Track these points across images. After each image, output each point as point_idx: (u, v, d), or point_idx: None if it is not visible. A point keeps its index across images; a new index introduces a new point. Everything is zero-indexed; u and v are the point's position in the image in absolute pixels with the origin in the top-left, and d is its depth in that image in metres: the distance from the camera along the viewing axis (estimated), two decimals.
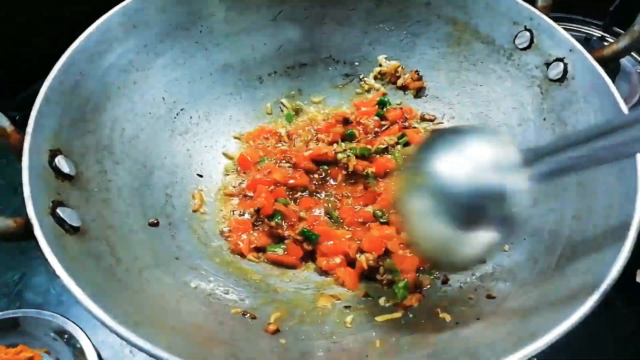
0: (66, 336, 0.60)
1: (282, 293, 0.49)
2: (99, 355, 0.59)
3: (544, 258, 0.43)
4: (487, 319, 0.41)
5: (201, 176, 0.57)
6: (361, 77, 0.66)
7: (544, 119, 0.52)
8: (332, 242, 0.52)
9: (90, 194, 0.44)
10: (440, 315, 0.43)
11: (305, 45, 0.64)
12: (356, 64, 0.65)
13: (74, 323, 0.62)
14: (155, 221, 0.49)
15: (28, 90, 0.92)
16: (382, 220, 0.53)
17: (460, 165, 0.35)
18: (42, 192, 0.39)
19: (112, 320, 0.33)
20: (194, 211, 0.54)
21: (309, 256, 0.53)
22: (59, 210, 0.39)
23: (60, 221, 0.38)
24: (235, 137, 0.62)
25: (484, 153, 0.35)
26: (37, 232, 0.35)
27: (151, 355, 0.32)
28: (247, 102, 0.63)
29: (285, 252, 0.52)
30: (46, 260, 0.35)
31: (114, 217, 0.45)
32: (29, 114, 0.92)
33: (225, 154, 0.60)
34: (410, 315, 0.45)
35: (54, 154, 0.42)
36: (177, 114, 0.57)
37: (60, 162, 0.42)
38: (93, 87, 0.49)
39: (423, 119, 0.63)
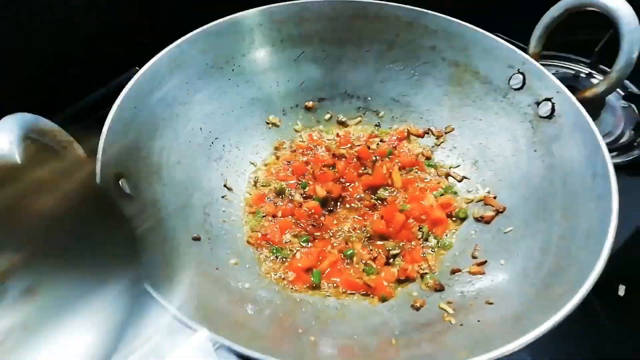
0: None
1: (308, 298, 0.56)
2: None
3: (534, 272, 0.50)
4: (486, 320, 0.47)
5: (230, 189, 0.64)
6: (377, 112, 0.74)
7: (535, 151, 0.60)
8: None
9: (145, 213, 0.51)
10: (447, 319, 0.50)
11: (324, 81, 0.72)
12: (369, 98, 0.73)
13: None
14: (198, 236, 0.56)
15: (63, 112, 1.00)
16: None
17: None
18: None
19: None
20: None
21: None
22: None
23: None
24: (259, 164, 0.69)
25: None
26: None
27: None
28: (273, 132, 0.71)
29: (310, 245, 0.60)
30: None
31: (165, 232, 0.52)
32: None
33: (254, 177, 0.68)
34: (422, 321, 0.52)
35: (118, 176, 0.50)
36: (212, 143, 0.65)
37: (123, 184, 0.50)
38: (145, 119, 0.57)
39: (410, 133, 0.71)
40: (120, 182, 0.50)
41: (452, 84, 0.69)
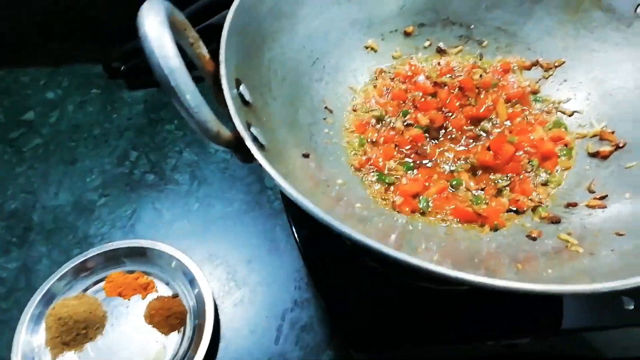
0: (188, 275, 0.65)
1: (417, 222, 0.54)
2: None
3: None
4: (621, 250, 0.45)
5: (331, 111, 0.62)
6: (480, 42, 0.69)
7: None
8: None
9: (261, 122, 0.50)
10: (572, 248, 0.48)
11: (425, 6, 0.68)
12: (472, 27, 0.69)
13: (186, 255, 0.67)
14: (307, 153, 0.55)
15: (130, 44, 0.98)
16: None
17: None
18: (239, 112, 0.44)
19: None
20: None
21: None
22: (252, 129, 0.44)
23: (254, 138, 0.44)
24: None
25: None
26: (248, 143, 0.41)
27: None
28: (371, 57, 0.68)
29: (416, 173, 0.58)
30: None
31: (279, 145, 0.51)
32: (133, 64, 0.99)
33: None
34: (542, 250, 0.50)
35: (238, 82, 0.48)
36: (313, 62, 0.62)
37: (243, 90, 0.48)
38: (256, 29, 0.54)
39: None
40: (240, 87, 0.48)
41: (567, 12, 0.64)
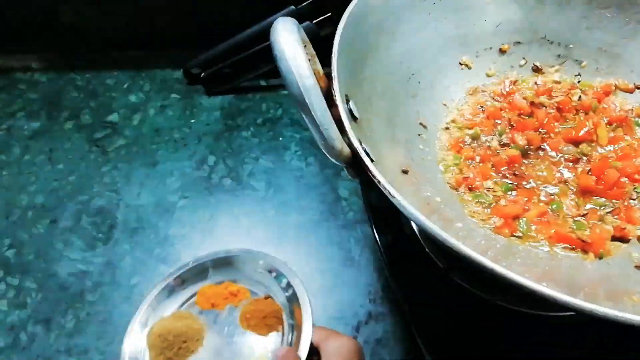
0: (274, 273, 0.65)
1: (517, 245, 0.53)
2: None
3: None
4: None
5: (425, 127, 0.62)
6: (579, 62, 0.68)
7: None
8: None
9: (366, 137, 0.50)
10: None
11: (523, 24, 0.67)
12: (571, 46, 0.67)
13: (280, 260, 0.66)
14: (406, 169, 0.54)
15: (209, 52, 1.01)
16: None
17: None
18: (352, 128, 0.45)
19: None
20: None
21: None
22: (363, 145, 0.45)
23: (367, 153, 0.44)
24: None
25: None
26: (365, 159, 0.41)
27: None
28: (465, 74, 0.67)
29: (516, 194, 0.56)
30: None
31: (383, 161, 0.51)
32: (212, 72, 1.01)
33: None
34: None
35: (347, 98, 0.48)
36: (409, 78, 0.62)
37: (352, 106, 0.48)
38: (359, 45, 0.55)
39: None
40: (350, 103, 0.48)
41: None
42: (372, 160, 0.45)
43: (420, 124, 0.62)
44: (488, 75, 0.68)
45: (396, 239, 0.64)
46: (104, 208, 0.87)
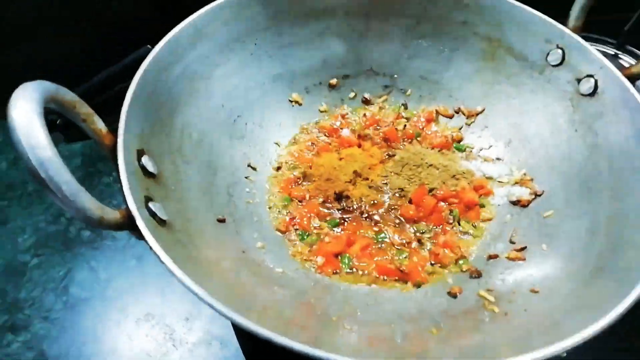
0: None
1: (338, 284, 0.53)
2: None
3: (583, 253, 0.47)
4: (533, 310, 0.45)
5: (254, 169, 0.61)
6: (404, 91, 0.70)
7: (576, 130, 0.57)
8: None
9: (168, 191, 0.48)
10: (489, 307, 0.48)
11: (348, 57, 0.69)
12: (395, 76, 0.70)
13: None
14: (223, 218, 0.53)
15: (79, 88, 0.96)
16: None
17: None
18: (136, 187, 0.43)
19: (211, 297, 0.37)
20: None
21: None
22: (150, 205, 0.43)
23: (153, 214, 0.43)
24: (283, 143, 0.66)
25: None
26: (140, 222, 0.40)
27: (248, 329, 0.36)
28: (296, 111, 0.68)
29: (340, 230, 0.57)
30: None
31: (189, 213, 0.49)
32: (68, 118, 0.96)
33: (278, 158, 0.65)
34: (462, 308, 0.49)
35: (140, 153, 0.46)
36: (234, 120, 0.62)
37: (145, 161, 0.47)
38: (166, 94, 0.53)
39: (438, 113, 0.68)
40: (142, 159, 0.46)
41: (484, 59, 0.65)
42: (162, 220, 0.44)
43: (249, 165, 0.61)
44: (320, 111, 0.68)
45: None
46: None
